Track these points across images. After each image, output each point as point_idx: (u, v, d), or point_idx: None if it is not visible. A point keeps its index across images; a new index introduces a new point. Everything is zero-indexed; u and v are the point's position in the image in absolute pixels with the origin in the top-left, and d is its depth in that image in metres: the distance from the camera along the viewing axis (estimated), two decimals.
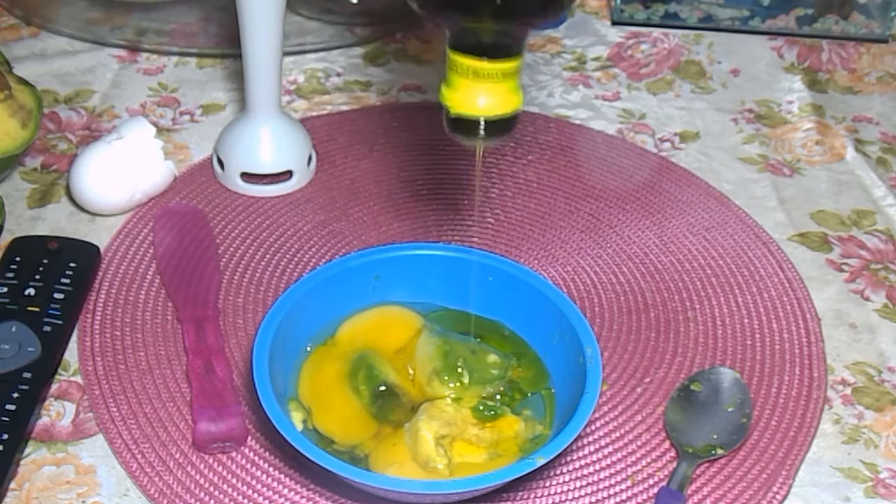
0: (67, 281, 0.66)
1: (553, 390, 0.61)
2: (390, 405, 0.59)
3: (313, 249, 0.72)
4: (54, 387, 0.62)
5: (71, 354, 0.64)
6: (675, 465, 0.59)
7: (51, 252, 0.68)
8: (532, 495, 0.58)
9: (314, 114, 0.84)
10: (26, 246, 0.69)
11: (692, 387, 0.63)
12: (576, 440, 0.56)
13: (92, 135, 0.81)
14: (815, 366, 0.66)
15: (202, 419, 0.59)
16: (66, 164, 0.78)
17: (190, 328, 0.65)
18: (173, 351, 0.65)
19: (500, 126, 0.55)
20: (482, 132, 0.55)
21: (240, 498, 0.57)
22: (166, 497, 0.57)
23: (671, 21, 0.97)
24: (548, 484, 0.59)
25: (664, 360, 0.66)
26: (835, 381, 0.66)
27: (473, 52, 0.53)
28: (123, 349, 0.65)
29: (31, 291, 0.65)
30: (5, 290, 0.65)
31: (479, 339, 0.63)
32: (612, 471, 0.60)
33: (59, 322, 0.64)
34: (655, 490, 0.58)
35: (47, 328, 0.63)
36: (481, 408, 0.59)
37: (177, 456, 0.59)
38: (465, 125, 0.55)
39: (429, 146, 0.81)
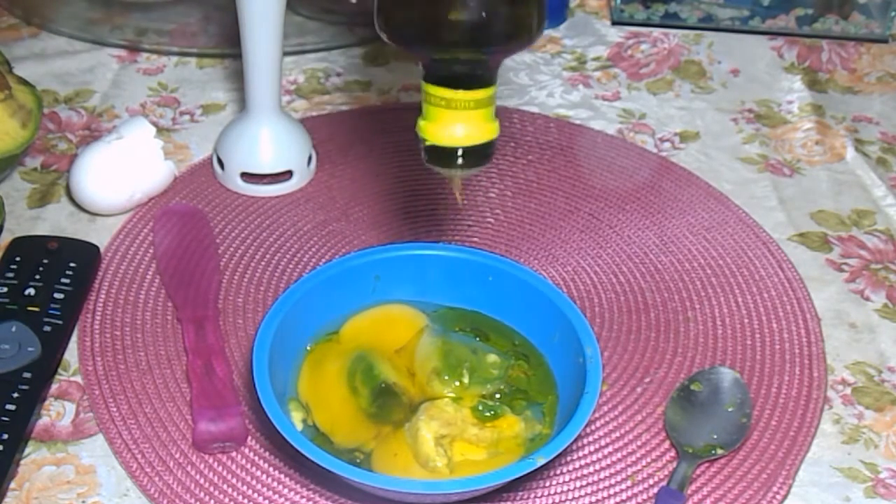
0: (67, 281, 0.66)
1: (557, 394, 0.61)
2: (390, 404, 0.59)
3: (313, 249, 0.72)
4: (54, 387, 0.62)
5: (71, 354, 0.64)
6: (675, 465, 0.59)
7: (51, 252, 0.68)
8: (532, 495, 0.58)
9: (314, 114, 0.85)
10: (26, 246, 0.69)
11: (692, 387, 0.63)
12: (576, 440, 0.56)
13: (92, 135, 0.81)
14: (815, 366, 0.66)
15: (202, 419, 0.59)
16: (66, 164, 0.78)
17: (190, 328, 0.65)
18: (173, 351, 0.65)
19: (477, 155, 0.56)
20: (459, 161, 0.55)
21: (240, 498, 0.57)
22: (166, 497, 0.57)
23: (671, 21, 0.97)
24: (548, 484, 0.59)
25: (664, 360, 0.66)
26: (835, 381, 0.66)
27: (446, 82, 0.54)
28: (123, 349, 0.65)
29: (31, 291, 0.65)
30: (5, 290, 0.65)
31: (482, 340, 0.63)
32: (612, 471, 0.60)
33: (59, 322, 0.64)
34: (655, 490, 0.58)
35: (47, 328, 0.63)
36: (481, 408, 0.59)
37: (177, 456, 0.59)
38: (442, 155, 0.56)
39: None
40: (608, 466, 0.60)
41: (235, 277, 0.70)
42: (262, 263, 0.71)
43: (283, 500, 0.57)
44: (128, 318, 0.67)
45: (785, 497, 0.59)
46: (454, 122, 0.54)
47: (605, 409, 0.63)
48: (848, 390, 0.65)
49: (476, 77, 0.54)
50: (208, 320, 0.66)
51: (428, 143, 0.55)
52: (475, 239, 0.74)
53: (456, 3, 0.51)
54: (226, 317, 0.67)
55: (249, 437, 0.60)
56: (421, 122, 0.56)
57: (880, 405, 0.64)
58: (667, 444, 0.61)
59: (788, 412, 0.63)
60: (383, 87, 0.88)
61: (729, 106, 0.88)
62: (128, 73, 0.88)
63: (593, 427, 0.62)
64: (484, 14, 0.52)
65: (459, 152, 0.55)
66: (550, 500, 0.58)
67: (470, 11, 0.51)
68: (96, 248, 0.70)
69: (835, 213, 0.78)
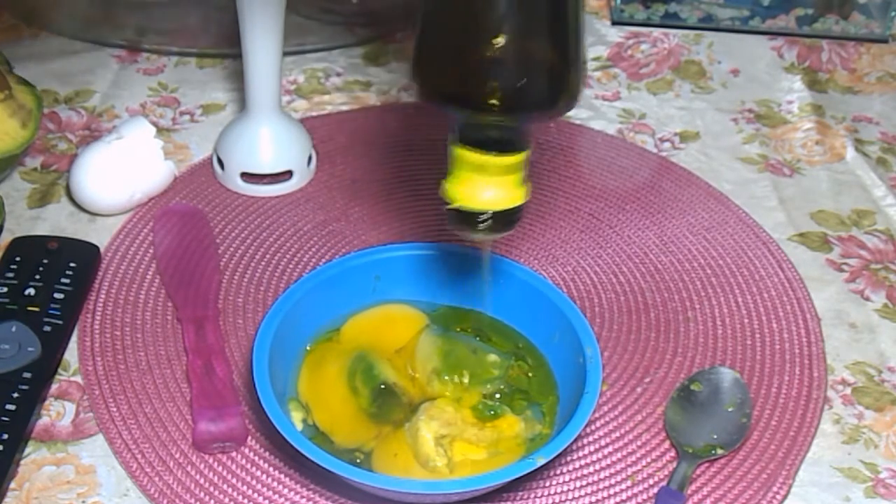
0: (67, 281, 0.66)
1: (557, 394, 0.61)
2: (390, 404, 0.59)
3: (313, 249, 0.72)
4: (54, 387, 0.62)
5: (71, 354, 0.64)
6: (675, 465, 0.59)
7: (51, 252, 0.68)
8: (532, 495, 0.58)
9: (314, 114, 0.84)
10: (26, 246, 0.69)
11: (692, 387, 0.63)
12: (576, 440, 0.56)
13: (92, 135, 0.81)
14: (815, 366, 0.66)
15: (202, 419, 0.59)
16: (66, 164, 0.78)
17: (190, 328, 0.65)
18: (173, 351, 0.65)
19: (504, 219, 0.54)
20: (485, 226, 0.54)
21: (240, 498, 0.57)
22: (166, 497, 0.57)
23: (671, 21, 0.97)
24: (548, 484, 0.59)
25: (664, 360, 0.66)
26: (835, 381, 0.66)
27: (478, 145, 0.52)
28: (123, 349, 0.65)
29: (31, 291, 0.65)
30: (5, 290, 0.65)
31: (482, 340, 0.63)
32: (612, 471, 0.60)
33: (59, 322, 0.64)
34: (655, 490, 0.58)
35: (47, 328, 0.63)
36: (481, 407, 0.59)
37: (177, 456, 0.59)
38: (468, 218, 0.54)
39: (428, 146, 0.81)
40: (608, 466, 0.60)
41: (235, 277, 0.70)
42: (262, 263, 0.71)
43: (283, 500, 0.57)
44: (128, 318, 0.67)
45: (785, 497, 0.59)
46: (483, 185, 0.53)
47: (605, 409, 0.63)
48: (848, 390, 0.65)
49: (509, 141, 0.52)
50: (208, 320, 0.66)
51: (453, 206, 0.54)
52: None
53: (495, 67, 0.49)
54: (226, 317, 0.67)
55: (249, 437, 0.60)
56: (447, 185, 0.54)
57: (880, 405, 0.64)
58: (667, 444, 0.61)
59: (788, 412, 0.63)
60: (383, 87, 0.88)
61: (729, 106, 0.88)
62: (128, 73, 0.88)
63: (593, 427, 0.62)
64: (525, 80, 0.50)
65: (486, 217, 0.54)
66: (550, 500, 0.58)
67: (510, 76, 0.50)
68: (96, 248, 0.70)
69: (835, 213, 0.78)
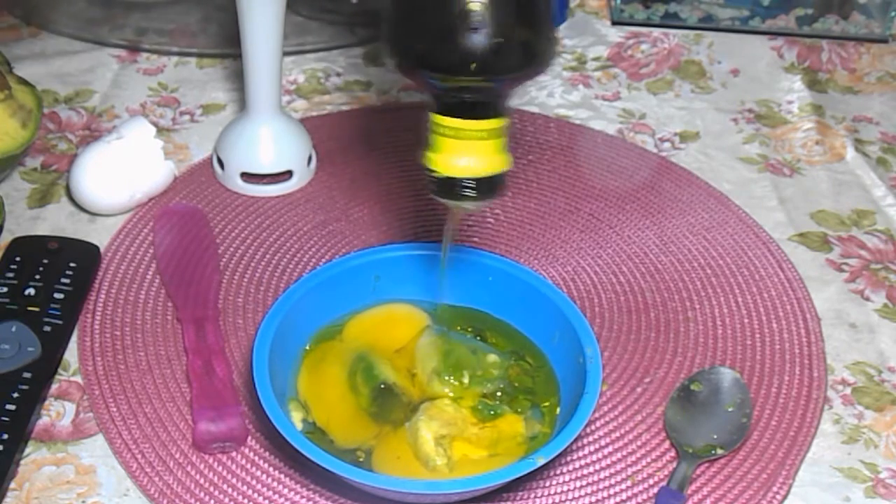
0: (67, 281, 0.66)
1: (558, 394, 0.61)
2: (390, 404, 0.59)
3: (313, 249, 0.72)
4: (54, 387, 0.62)
5: (71, 354, 0.64)
6: (675, 465, 0.59)
7: (51, 252, 0.68)
8: (532, 495, 0.58)
9: (314, 114, 0.85)
10: (26, 246, 0.69)
11: (692, 387, 0.63)
12: (576, 440, 0.56)
13: (92, 135, 0.81)
14: (815, 366, 0.66)
15: (202, 419, 0.59)
16: (66, 164, 0.78)
17: (190, 328, 0.65)
18: (173, 351, 0.65)
19: (488, 186, 0.55)
20: (469, 193, 0.54)
21: (240, 498, 0.57)
22: (166, 497, 0.57)
23: (671, 21, 0.97)
24: (548, 484, 0.59)
25: (664, 360, 0.66)
26: (835, 381, 0.66)
27: (457, 112, 0.53)
28: (123, 349, 0.65)
29: (31, 291, 0.65)
30: (5, 290, 0.65)
31: (482, 340, 0.63)
32: (612, 471, 0.60)
33: (59, 322, 0.64)
34: (655, 490, 0.58)
35: (47, 328, 0.63)
36: (481, 407, 0.59)
37: (177, 456, 0.59)
38: (452, 187, 0.55)
39: None
40: (608, 466, 0.60)
41: (235, 277, 0.70)
42: (262, 263, 0.71)
43: (283, 500, 0.57)
44: (128, 318, 0.67)
45: (785, 497, 0.59)
46: (465, 152, 0.54)
47: (605, 409, 0.63)
48: (848, 390, 0.65)
49: (487, 106, 0.53)
50: (208, 320, 0.66)
51: (437, 175, 0.54)
52: (475, 239, 0.74)
53: (467, 30, 0.50)
54: (226, 317, 0.67)
55: (249, 437, 0.60)
56: (429, 154, 0.55)
57: (880, 405, 0.64)
58: (667, 444, 0.61)
59: (788, 412, 0.63)
60: (383, 87, 0.88)
61: (729, 106, 0.88)
62: (128, 73, 0.88)
63: (593, 427, 0.62)
64: (496, 41, 0.51)
65: (471, 183, 0.54)
66: (550, 500, 0.58)
67: (482, 38, 0.51)
68: (96, 248, 0.70)
69: (835, 213, 0.78)
